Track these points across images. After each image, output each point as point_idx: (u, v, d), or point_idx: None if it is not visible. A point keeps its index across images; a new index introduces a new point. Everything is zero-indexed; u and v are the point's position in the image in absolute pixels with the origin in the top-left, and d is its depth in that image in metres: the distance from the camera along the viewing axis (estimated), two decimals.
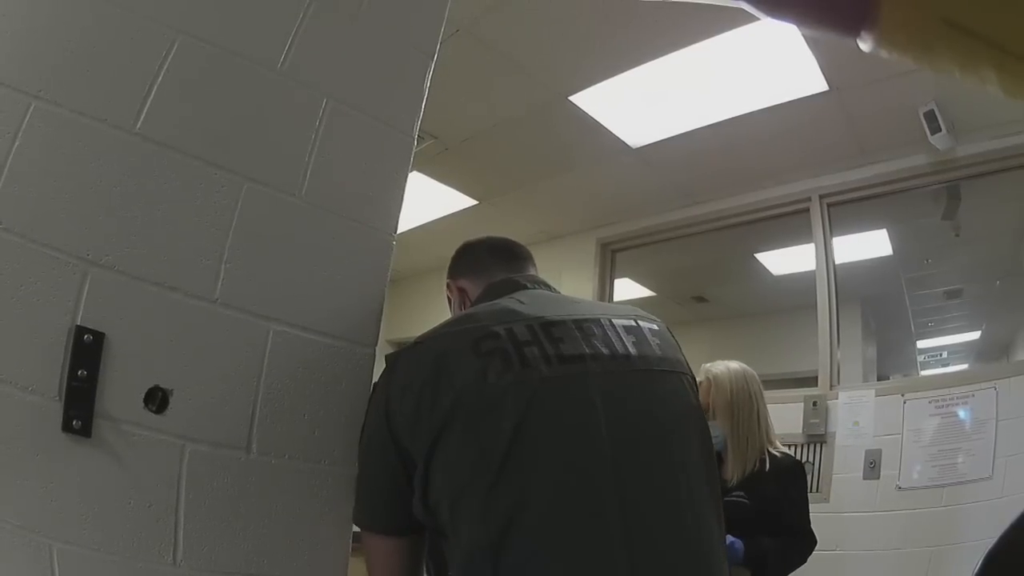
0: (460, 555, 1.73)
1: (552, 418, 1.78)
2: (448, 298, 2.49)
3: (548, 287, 2.26)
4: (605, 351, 1.91)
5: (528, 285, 2.21)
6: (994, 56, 0.83)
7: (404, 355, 1.93)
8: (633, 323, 2.06)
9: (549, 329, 1.91)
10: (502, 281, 2.25)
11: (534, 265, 2.43)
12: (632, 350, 1.96)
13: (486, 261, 2.41)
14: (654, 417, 1.90)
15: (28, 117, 1.67)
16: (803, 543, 3.76)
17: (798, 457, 5.45)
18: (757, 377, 4.02)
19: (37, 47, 1.72)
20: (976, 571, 1.15)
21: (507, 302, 2.06)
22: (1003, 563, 1.17)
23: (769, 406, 3.95)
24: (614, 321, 2.03)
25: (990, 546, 1.18)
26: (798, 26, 1.04)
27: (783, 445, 3.95)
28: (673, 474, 1.84)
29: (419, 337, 1.97)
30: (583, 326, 1.96)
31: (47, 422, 1.62)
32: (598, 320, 2.00)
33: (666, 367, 2.00)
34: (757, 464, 3.76)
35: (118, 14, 1.82)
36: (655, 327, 2.11)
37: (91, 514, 1.65)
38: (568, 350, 1.88)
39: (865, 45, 0.91)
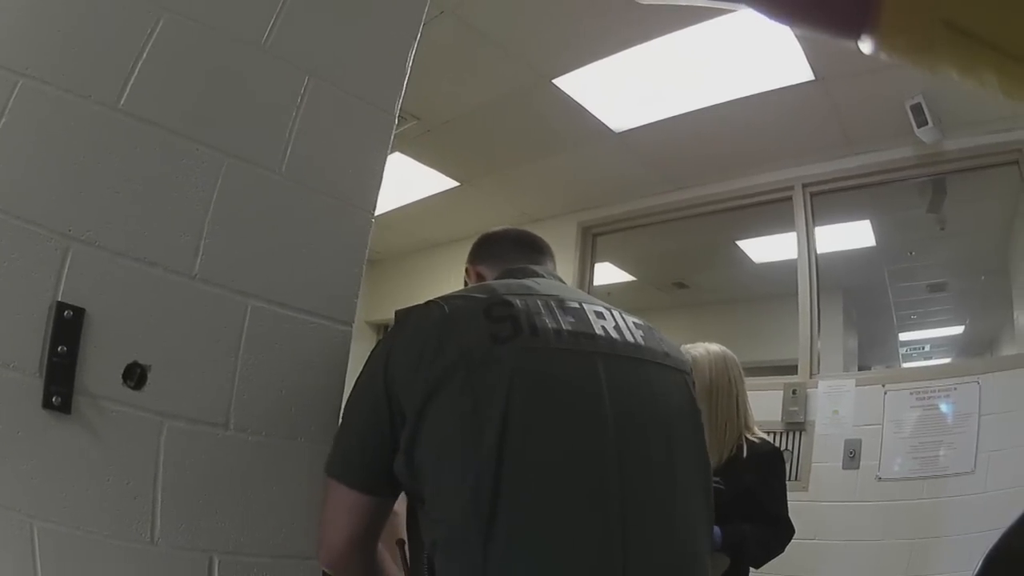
0: (446, 521, 1.70)
1: (555, 388, 1.78)
2: (465, 282, 2.50)
3: (561, 281, 2.28)
4: (615, 336, 1.93)
5: (543, 275, 2.22)
6: (994, 59, 0.83)
7: (415, 311, 1.92)
8: (642, 322, 2.09)
9: (563, 306, 1.94)
10: (519, 268, 2.26)
11: (553, 259, 2.48)
12: (641, 341, 1.98)
13: (507, 250, 2.44)
14: (657, 405, 1.90)
15: (15, 94, 1.68)
16: (782, 530, 3.75)
17: (777, 444, 5.46)
18: (738, 361, 4.00)
19: (25, 25, 1.73)
20: (976, 572, 1.13)
21: (522, 280, 2.08)
22: (1004, 564, 1.15)
23: (748, 393, 3.93)
24: (625, 316, 2.05)
25: (982, 542, 1.15)
26: (797, 27, 1.04)
27: (762, 432, 3.94)
28: (670, 463, 1.86)
29: (431, 299, 1.96)
30: (596, 311, 1.98)
31: (28, 398, 1.63)
32: (610, 310, 2.03)
33: (671, 363, 2.02)
34: (734, 450, 3.75)
35: None
36: (662, 334, 2.14)
37: (71, 491, 1.67)
38: (579, 327, 1.89)
39: (865, 47, 0.91)
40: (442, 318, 1.84)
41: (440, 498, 1.71)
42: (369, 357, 1.94)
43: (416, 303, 1.94)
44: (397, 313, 1.95)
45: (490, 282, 2.10)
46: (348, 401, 1.96)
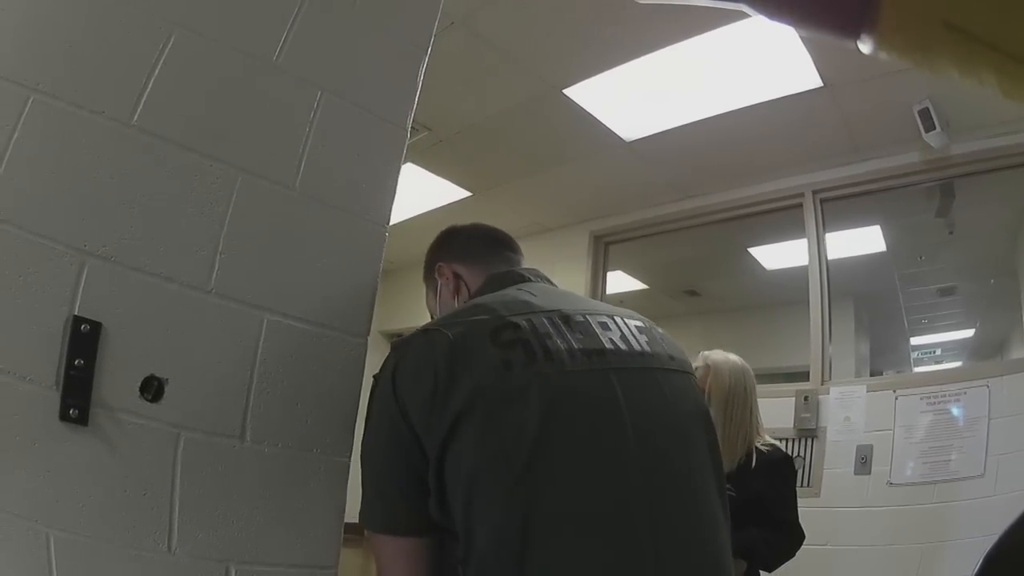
0: (478, 552, 1.64)
1: (578, 412, 1.73)
2: (431, 283, 2.42)
3: (549, 281, 2.22)
4: (623, 347, 1.89)
5: (532, 278, 2.17)
6: (994, 59, 0.83)
7: (414, 340, 1.83)
8: (643, 323, 2.05)
9: (568, 322, 1.88)
10: (506, 272, 2.21)
11: (522, 254, 2.39)
12: (647, 348, 1.94)
13: (480, 249, 2.36)
14: (670, 414, 1.87)
15: (27, 109, 1.68)
16: (792, 535, 3.77)
17: (789, 451, 5.46)
18: (752, 371, 4.03)
19: (36, 40, 1.73)
20: (976, 571, 1.15)
21: (517, 293, 2.01)
22: (1003, 563, 1.17)
23: (760, 400, 3.95)
24: (626, 320, 2.01)
25: (990, 545, 1.18)
26: (797, 28, 1.04)
27: (773, 439, 3.95)
28: (690, 471, 1.83)
29: (428, 325, 1.88)
30: (600, 322, 1.94)
31: (45, 411, 1.64)
32: (612, 317, 1.99)
33: (676, 366, 1.99)
34: (744, 457, 3.77)
35: (116, 7, 1.84)
36: (661, 330, 2.10)
37: (87, 502, 1.67)
38: (589, 344, 1.84)
39: (864, 47, 0.92)
40: (448, 347, 1.76)
41: (471, 531, 1.66)
42: (372, 397, 1.88)
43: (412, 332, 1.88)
44: (394, 344, 1.89)
45: (485, 300, 1.98)
46: (368, 448, 1.87)
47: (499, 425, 1.67)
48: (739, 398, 3.87)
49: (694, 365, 3.84)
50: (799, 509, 3.83)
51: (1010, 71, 0.83)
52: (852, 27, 0.90)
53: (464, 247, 2.38)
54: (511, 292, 2.03)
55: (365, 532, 1.85)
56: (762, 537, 3.61)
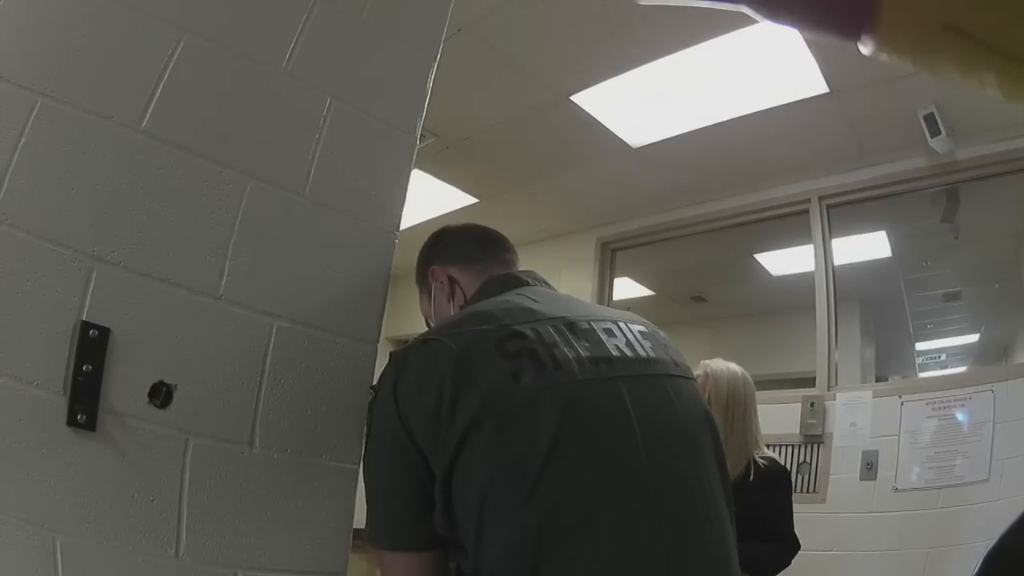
0: (490, 565, 1.63)
1: (589, 422, 1.71)
2: (425, 287, 2.37)
3: (547, 284, 2.19)
4: (629, 354, 1.86)
5: (530, 282, 2.13)
6: (995, 60, 0.82)
7: (415, 353, 1.80)
8: (646, 328, 2.03)
9: (574, 329, 1.85)
10: (504, 276, 2.17)
11: (517, 255, 2.35)
12: (652, 354, 1.92)
13: (474, 251, 2.31)
14: (678, 421, 1.84)
15: (34, 114, 1.68)
16: (789, 546, 3.79)
17: (795, 457, 5.46)
18: (752, 381, 4.03)
19: (43, 45, 1.73)
20: (975, 573, 1.15)
21: (519, 299, 1.96)
22: (1002, 565, 1.18)
23: (767, 406, 3.96)
24: (630, 325, 1.98)
25: (989, 547, 1.18)
26: (798, 29, 1.04)
27: (780, 445, 3.95)
28: (698, 478, 1.80)
29: (428, 335, 1.86)
30: (604, 328, 1.91)
31: (52, 416, 1.64)
32: (616, 322, 1.95)
33: (680, 372, 1.97)
34: (743, 469, 3.77)
35: (124, 13, 1.83)
36: (663, 334, 2.08)
37: (95, 507, 1.67)
38: (596, 352, 1.81)
39: (866, 48, 0.91)
40: (452, 359, 1.72)
41: (482, 543, 1.64)
42: (372, 410, 1.86)
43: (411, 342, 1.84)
44: (394, 355, 1.84)
45: (486, 307, 1.94)
46: (371, 464, 1.88)
47: (510, 438, 1.64)
48: (739, 407, 3.87)
49: (694, 373, 3.88)
50: (804, 515, 3.85)
51: (1011, 72, 0.82)
52: (853, 28, 0.90)
53: (458, 249, 2.34)
54: (512, 298, 1.99)
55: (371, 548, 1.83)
56: (762, 550, 3.63)
